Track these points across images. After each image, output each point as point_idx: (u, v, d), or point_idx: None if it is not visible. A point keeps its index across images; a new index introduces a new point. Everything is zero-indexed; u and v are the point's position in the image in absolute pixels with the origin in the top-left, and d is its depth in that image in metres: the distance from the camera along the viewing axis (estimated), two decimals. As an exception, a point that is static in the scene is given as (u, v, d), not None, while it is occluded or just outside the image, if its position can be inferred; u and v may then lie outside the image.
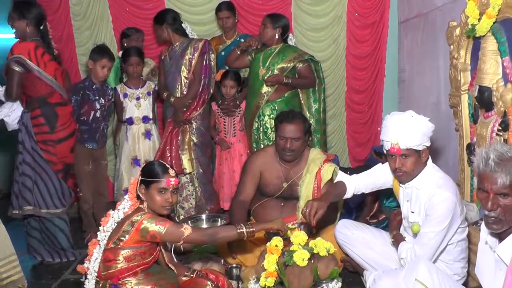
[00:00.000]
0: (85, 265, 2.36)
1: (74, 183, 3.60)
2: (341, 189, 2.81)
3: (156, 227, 2.23)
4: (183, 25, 3.98)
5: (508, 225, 1.78)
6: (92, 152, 3.81)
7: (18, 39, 3.30)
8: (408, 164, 2.48)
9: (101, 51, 3.72)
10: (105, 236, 2.35)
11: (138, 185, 2.33)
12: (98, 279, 2.33)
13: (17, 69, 3.22)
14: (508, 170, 1.72)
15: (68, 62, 4.62)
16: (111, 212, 2.42)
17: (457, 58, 2.86)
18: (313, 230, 2.88)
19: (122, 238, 2.25)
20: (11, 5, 3.57)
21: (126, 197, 2.43)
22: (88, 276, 2.35)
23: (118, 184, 4.09)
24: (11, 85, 3.24)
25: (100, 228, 2.39)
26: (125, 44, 4.31)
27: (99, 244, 2.37)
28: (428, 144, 2.50)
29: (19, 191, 3.34)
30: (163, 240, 2.30)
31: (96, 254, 2.35)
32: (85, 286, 2.35)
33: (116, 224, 2.35)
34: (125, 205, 2.40)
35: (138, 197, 2.36)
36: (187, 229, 2.26)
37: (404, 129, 2.44)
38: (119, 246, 2.26)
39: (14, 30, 3.32)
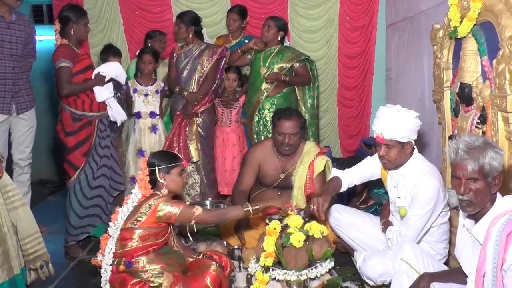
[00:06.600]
0: (99, 258, 2.35)
1: None
2: (337, 183, 2.81)
3: (171, 208, 2.28)
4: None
5: (480, 207, 1.80)
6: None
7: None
8: (391, 154, 2.47)
9: (106, 50, 3.72)
10: (117, 229, 2.32)
11: (158, 172, 2.34)
12: (113, 258, 2.32)
13: None
14: (476, 157, 1.75)
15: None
16: (119, 209, 2.38)
17: (440, 58, 2.86)
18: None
19: (140, 219, 2.27)
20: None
21: (133, 191, 2.39)
22: (104, 266, 2.31)
23: (125, 172, 4.08)
24: None
25: (110, 223, 2.36)
26: (150, 45, 4.23)
27: (111, 238, 2.33)
28: (414, 137, 2.48)
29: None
30: (177, 220, 2.33)
31: (109, 247, 2.32)
32: (102, 276, 2.33)
33: (126, 215, 2.33)
34: (134, 199, 2.37)
35: (154, 184, 2.36)
36: (198, 210, 2.33)
37: (388, 122, 2.43)
38: (136, 226, 2.27)
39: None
